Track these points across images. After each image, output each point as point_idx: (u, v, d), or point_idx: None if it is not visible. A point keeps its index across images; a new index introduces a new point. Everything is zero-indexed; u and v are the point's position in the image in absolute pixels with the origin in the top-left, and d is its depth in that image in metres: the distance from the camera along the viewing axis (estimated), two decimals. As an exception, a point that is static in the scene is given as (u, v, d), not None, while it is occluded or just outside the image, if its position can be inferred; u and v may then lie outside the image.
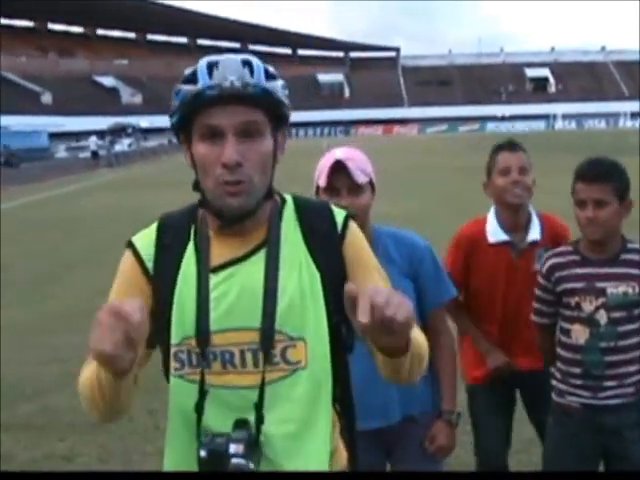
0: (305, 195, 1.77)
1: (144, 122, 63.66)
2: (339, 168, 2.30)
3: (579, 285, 2.58)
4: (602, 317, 2.55)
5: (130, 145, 55.12)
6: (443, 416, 2.54)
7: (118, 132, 57.86)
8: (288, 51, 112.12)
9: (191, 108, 1.49)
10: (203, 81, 1.47)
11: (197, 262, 1.56)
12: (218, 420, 1.52)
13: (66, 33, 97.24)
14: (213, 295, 1.53)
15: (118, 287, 1.61)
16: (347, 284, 1.33)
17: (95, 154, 45.31)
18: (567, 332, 2.64)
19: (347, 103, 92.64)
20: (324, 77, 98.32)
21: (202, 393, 1.53)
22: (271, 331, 1.51)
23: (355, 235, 1.65)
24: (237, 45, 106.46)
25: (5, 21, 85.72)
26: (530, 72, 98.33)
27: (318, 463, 1.55)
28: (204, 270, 1.55)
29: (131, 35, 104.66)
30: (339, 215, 1.65)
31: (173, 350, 1.56)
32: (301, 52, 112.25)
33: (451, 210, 14.45)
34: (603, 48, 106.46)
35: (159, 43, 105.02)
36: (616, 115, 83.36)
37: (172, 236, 1.61)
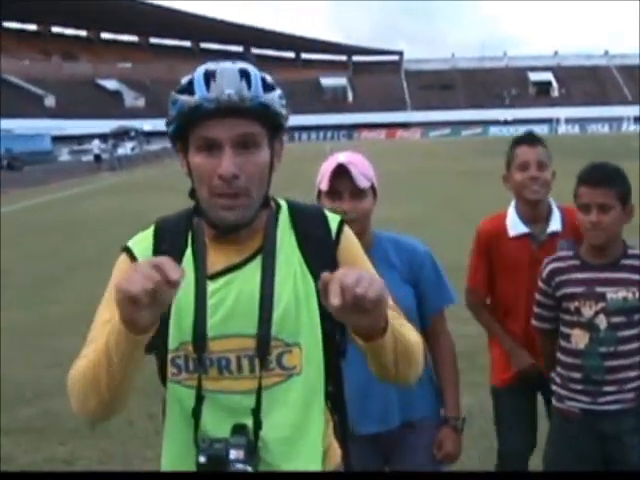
0: (307, 199, 1.77)
1: (147, 125, 63.68)
2: (341, 172, 2.30)
3: (579, 290, 2.58)
4: (602, 322, 2.55)
5: (133, 148, 55.24)
6: (449, 422, 2.53)
7: (121, 135, 57.93)
8: (291, 55, 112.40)
9: (188, 119, 1.49)
10: (200, 93, 1.46)
11: (195, 269, 1.56)
12: (214, 424, 1.53)
13: (69, 36, 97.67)
14: (211, 302, 1.53)
15: (113, 291, 1.60)
16: (322, 274, 1.31)
17: (98, 157, 45.38)
18: (567, 337, 2.63)
19: (350, 107, 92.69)
20: (327, 81, 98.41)
21: (199, 398, 1.54)
22: (268, 338, 1.52)
23: (349, 240, 1.66)
24: (240, 49, 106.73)
25: (9, 24, 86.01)
26: (533, 76, 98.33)
27: (311, 464, 1.57)
28: (202, 277, 1.55)
29: (134, 39, 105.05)
30: (333, 221, 1.65)
31: (170, 356, 1.56)
32: (304, 56, 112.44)
33: (454, 214, 14.46)
34: (606, 52, 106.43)
35: (162, 47, 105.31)
36: (619, 119, 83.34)
37: (169, 242, 1.61)
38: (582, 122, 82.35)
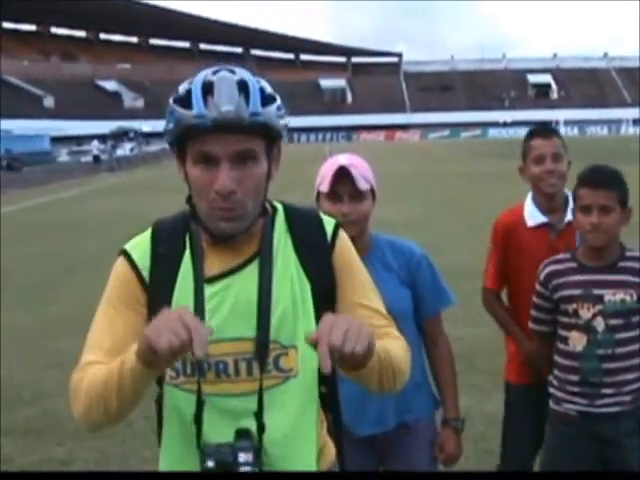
0: (307, 201, 1.77)
1: (146, 126, 63.59)
2: (342, 174, 2.30)
3: (576, 292, 2.58)
4: (599, 324, 2.55)
5: (132, 149, 55.17)
6: (449, 424, 2.53)
7: (120, 136, 57.84)
8: (291, 56, 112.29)
9: (185, 132, 1.49)
10: (198, 108, 1.46)
11: (193, 273, 1.57)
12: (214, 428, 1.54)
13: (69, 37, 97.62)
14: (208, 306, 1.54)
15: (112, 294, 1.61)
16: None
17: (97, 158, 45.41)
18: (565, 339, 2.63)
19: (349, 108, 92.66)
20: (326, 82, 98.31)
21: (199, 403, 1.55)
22: (267, 341, 1.53)
23: (344, 244, 1.67)
24: (240, 50, 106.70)
25: (8, 25, 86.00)
26: (532, 78, 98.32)
27: (308, 464, 1.59)
28: (200, 281, 1.56)
29: (133, 39, 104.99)
30: (329, 224, 1.66)
31: None
32: (303, 57, 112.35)
33: (453, 215, 14.47)
34: (605, 54, 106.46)
35: (162, 47, 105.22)
36: (618, 122, 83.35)
37: (167, 246, 1.61)
38: (581, 124, 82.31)
